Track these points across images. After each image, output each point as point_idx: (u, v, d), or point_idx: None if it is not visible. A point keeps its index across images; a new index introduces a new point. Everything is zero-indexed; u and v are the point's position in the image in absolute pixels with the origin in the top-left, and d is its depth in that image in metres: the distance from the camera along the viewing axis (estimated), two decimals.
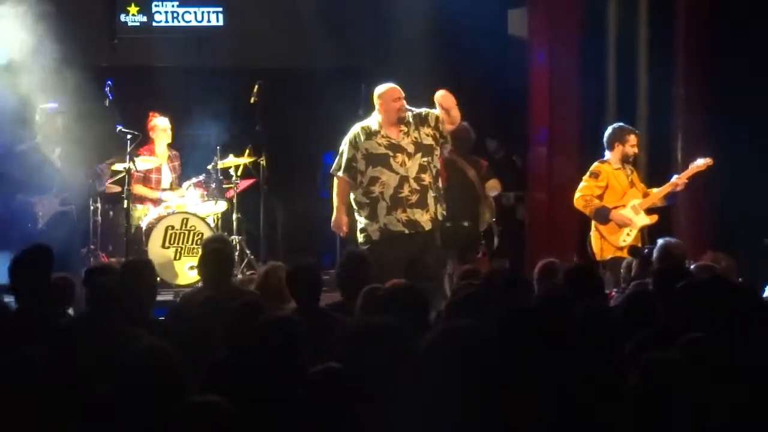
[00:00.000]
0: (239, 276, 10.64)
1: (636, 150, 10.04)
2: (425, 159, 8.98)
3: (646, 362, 4.37)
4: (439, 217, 9.06)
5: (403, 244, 8.92)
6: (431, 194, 8.97)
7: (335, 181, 9.17)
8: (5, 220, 10.02)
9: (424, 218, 8.97)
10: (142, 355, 4.46)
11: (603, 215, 9.91)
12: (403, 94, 9.04)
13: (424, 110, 9.11)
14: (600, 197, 9.95)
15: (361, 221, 9.06)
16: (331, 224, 9.21)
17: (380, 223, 8.96)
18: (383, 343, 4.69)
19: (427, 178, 8.98)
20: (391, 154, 8.98)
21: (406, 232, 8.94)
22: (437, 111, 9.00)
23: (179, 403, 4.07)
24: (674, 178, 9.99)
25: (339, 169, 9.09)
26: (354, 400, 4.49)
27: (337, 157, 9.13)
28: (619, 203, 9.96)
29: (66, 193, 10.16)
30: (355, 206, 9.10)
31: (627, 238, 9.89)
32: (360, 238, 9.07)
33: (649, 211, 10.03)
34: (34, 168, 10.04)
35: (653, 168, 10.28)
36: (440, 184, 9.11)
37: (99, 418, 4.46)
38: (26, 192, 10.06)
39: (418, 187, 8.96)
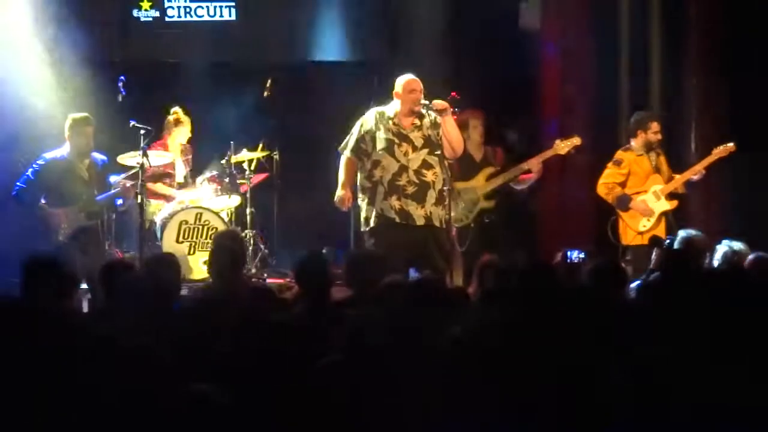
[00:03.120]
0: (266, 277, 10.73)
1: (659, 136, 10.26)
2: (432, 157, 9.02)
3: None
4: (436, 221, 9.02)
5: (397, 232, 8.98)
6: (432, 194, 9.00)
7: (342, 159, 9.23)
8: (26, 229, 9.99)
9: (417, 212, 9.01)
10: (131, 355, 4.50)
11: (624, 203, 10.19)
12: (421, 88, 9.10)
13: (437, 117, 9.17)
14: (623, 184, 10.21)
15: (363, 207, 9.17)
16: (335, 199, 9.24)
17: (377, 209, 9.05)
18: (383, 335, 4.70)
19: (429, 175, 9.03)
20: (396, 141, 9.07)
21: (397, 220, 9.01)
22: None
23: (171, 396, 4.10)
24: (698, 165, 10.20)
25: (346, 149, 9.21)
26: (358, 392, 4.51)
27: (347, 136, 9.21)
28: (641, 188, 10.20)
29: (94, 208, 10.04)
30: (359, 191, 9.17)
31: (647, 223, 10.16)
32: (362, 224, 9.16)
33: (672, 196, 10.14)
34: (61, 177, 9.93)
35: (667, 158, 10.32)
36: (448, 189, 9.05)
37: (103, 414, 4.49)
38: (50, 202, 9.98)
39: (417, 180, 9.02)
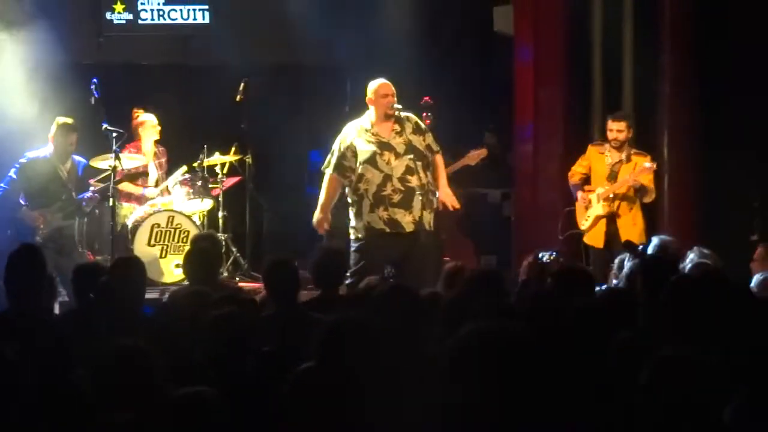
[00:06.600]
0: (238, 280, 10.73)
1: (616, 135, 10.37)
2: (415, 162, 9.02)
3: (658, 360, 4.31)
4: (426, 225, 9.04)
5: (386, 242, 8.98)
6: (418, 198, 8.99)
7: (325, 178, 9.21)
8: (7, 232, 10.04)
9: (405, 219, 9.01)
10: (116, 353, 4.50)
11: (573, 192, 10.54)
12: (393, 91, 9.11)
13: (419, 122, 9.22)
14: (586, 176, 10.51)
15: (351, 219, 9.16)
16: (313, 220, 9.25)
17: (364, 221, 9.04)
18: (356, 340, 4.68)
19: (414, 180, 9.02)
20: (378, 152, 9.04)
21: (387, 230, 9.01)
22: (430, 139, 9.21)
23: (157, 398, 4.08)
24: (628, 176, 10.24)
25: (329, 167, 9.16)
26: (335, 399, 4.49)
27: (329, 155, 9.18)
28: (592, 188, 10.43)
29: (71, 208, 10.23)
30: (349, 203, 9.17)
31: (585, 222, 10.40)
32: (351, 235, 9.15)
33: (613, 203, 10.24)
34: (42, 176, 10.12)
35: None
36: (432, 191, 9.13)
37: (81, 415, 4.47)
38: (30, 202, 10.18)
39: (402, 188, 9.01)
